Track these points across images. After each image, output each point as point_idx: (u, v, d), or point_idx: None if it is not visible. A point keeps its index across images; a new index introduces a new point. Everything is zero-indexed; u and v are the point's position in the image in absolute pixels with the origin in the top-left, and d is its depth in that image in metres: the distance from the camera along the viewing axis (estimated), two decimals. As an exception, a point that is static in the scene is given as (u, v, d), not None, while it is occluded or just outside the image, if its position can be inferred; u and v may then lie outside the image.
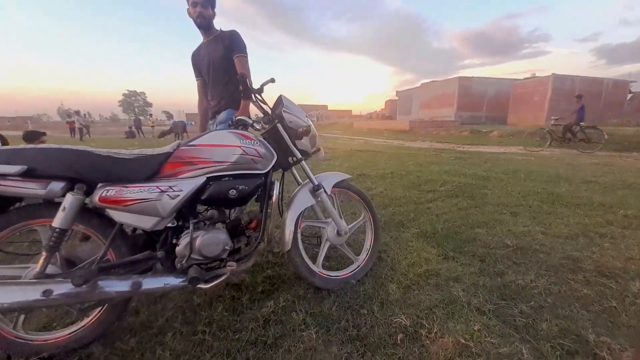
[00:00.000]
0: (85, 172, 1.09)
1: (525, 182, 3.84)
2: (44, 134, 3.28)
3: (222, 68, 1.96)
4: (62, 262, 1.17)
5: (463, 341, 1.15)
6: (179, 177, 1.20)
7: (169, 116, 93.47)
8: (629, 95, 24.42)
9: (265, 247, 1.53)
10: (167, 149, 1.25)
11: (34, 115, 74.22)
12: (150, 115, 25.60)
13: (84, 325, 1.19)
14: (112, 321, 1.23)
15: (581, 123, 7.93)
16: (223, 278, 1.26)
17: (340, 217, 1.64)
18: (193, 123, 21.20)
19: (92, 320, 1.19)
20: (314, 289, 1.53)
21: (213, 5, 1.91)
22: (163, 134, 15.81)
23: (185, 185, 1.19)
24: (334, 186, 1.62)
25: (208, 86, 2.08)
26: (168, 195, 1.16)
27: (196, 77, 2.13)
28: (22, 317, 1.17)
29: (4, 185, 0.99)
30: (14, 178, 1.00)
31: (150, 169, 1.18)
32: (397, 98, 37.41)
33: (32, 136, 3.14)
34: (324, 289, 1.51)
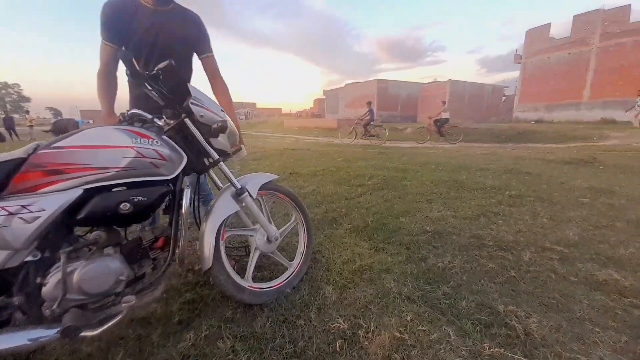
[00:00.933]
0: None
1: (435, 172, 4.34)
2: None
3: (179, 58, 1.42)
4: None
5: (398, 335, 1.15)
6: (38, 191, 0.88)
7: (56, 113, 75.80)
8: (503, 98, 31.04)
9: (177, 268, 1.26)
10: (16, 153, 0.90)
11: None
12: (27, 112, 20.32)
13: None
14: None
15: (372, 122, 11.20)
16: (118, 319, 0.97)
17: (270, 222, 1.50)
18: (91, 121, 17.66)
19: None
20: (244, 306, 1.35)
21: None
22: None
23: (48, 203, 0.87)
24: (261, 188, 1.46)
25: (145, 64, 1.48)
26: (21, 218, 0.84)
27: (107, 40, 1.43)
28: None
29: None
30: None
31: None
32: (324, 97, 38.75)
33: None
34: (256, 305, 1.35)
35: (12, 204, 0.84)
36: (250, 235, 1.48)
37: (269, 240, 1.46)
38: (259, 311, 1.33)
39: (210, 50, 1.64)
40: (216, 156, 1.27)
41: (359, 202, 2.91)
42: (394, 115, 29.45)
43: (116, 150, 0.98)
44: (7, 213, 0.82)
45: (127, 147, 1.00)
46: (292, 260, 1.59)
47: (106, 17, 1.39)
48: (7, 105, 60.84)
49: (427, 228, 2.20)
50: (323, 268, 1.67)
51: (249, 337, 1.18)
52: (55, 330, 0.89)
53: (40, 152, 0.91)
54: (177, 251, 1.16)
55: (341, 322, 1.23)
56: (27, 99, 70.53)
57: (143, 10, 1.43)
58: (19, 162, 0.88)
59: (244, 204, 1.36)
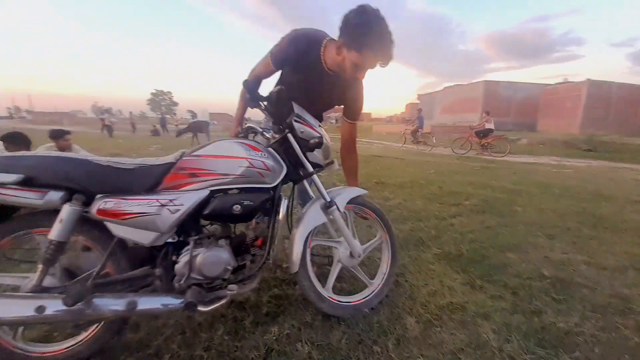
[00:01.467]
0: (84, 182, 1.02)
1: (561, 199, 3.51)
2: (69, 132, 3.34)
3: (327, 106, 1.66)
4: (62, 274, 1.11)
5: (495, 400, 0.98)
6: (181, 189, 1.11)
7: (193, 115, 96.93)
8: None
9: (270, 266, 1.41)
10: (169, 158, 1.16)
11: (71, 112, 79.42)
12: (175, 114, 26.77)
13: (80, 341, 1.12)
14: (109, 338, 1.16)
15: (420, 130, 11.58)
16: (223, 302, 1.16)
17: (354, 237, 1.50)
18: (215, 122, 21.56)
19: (89, 336, 1.13)
20: (323, 315, 1.40)
21: None
22: (180, 133, 15.39)
23: (186, 199, 1.10)
24: (348, 202, 1.47)
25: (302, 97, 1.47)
26: (168, 209, 1.07)
27: (274, 63, 1.46)
28: (21, 328, 1.12)
29: (1, 194, 0.94)
30: (11, 187, 0.95)
31: (151, 181, 1.10)
32: (418, 102, 36.61)
33: (57, 134, 3.21)
34: (333, 317, 1.38)
35: (163, 198, 1.08)
36: (335, 247, 1.51)
37: (352, 255, 1.46)
38: (335, 324, 1.35)
39: (356, 118, 1.62)
40: (311, 169, 1.35)
41: (451, 225, 2.62)
42: (504, 121, 25.32)
43: (235, 160, 1.17)
44: (160, 204, 1.07)
45: (242, 158, 1.17)
46: (373, 279, 1.55)
47: (287, 45, 1.39)
48: (162, 108, 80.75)
49: (545, 273, 1.79)
50: (405, 295, 1.56)
51: (325, 348, 1.21)
52: (179, 301, 1.12)
53: (184, 158, 1.15)
54: (271, 251, 1.29)
55: (423, 362, 1.13)
56: (176, 104, 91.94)
57: (319, 64, 1.41)
58: (170, 166, 1.14)
59: (331, 216, 1.40)
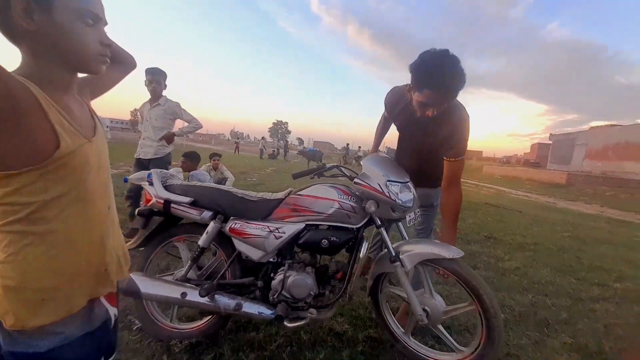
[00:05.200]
0: (225, 207, 1.45)
1: None
2: (220, 155, 4.50)
3: (428, 153, 1.64)
4: (197, 269, 1.56)
5: None
6: (285, 220, 1.41)
7: (300, 142, 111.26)
8: None
9: (346, 300, 1.45)
10: (280, 195, 1.50)
11: (216, 134, 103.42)
12: (286, 141, 31.62)
13: (201, 325, 1.51)
14: (219, 327, 1.53)
15: None
16: (304, 322, 1.38)
17: (431, 294, 1.40)
18: (318, 150, 24.18)
19: (207, 323, 1.51)
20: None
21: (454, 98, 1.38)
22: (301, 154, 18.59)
23: (288, 229, 1.39)
24: (424, 262, 1.36)
25: (405, 147, 1.77)
26: (274, 235, 1.38)
27: (387, 113, 1.74)
28: (175, 311, 1.57)
29: (177, 209, 1.44)
30: (184, 205, 1.44)
31: (266, 211, 1.45)
32: (549, 142, 30.43)
33: (213, 156, 4.38)
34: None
35: (273, 225, 1.40)
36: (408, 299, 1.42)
37: (426, 312, 1.36)
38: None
39: (458, 155, 1.50)
40: (378, 222, 1.41)
41: (592, 310, 2.09)
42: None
43: (328, 201, 1.40)
44: (269, 230, 1.39)
45: (334, 200, 1.39)
46: (464, 347, 1.39)
47: (386, 101, 1.67)
48: (279, 135, 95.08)
49: None
50: (521, 382, 1.36)
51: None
52: (271, 312, 1.39)
53: (291, 195, 1.46)
54: (350, 286, 1.42)
55: None
56: (289, 132, 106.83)
57: (408, 109, 1.50)
58: (280, 201, 1.46)
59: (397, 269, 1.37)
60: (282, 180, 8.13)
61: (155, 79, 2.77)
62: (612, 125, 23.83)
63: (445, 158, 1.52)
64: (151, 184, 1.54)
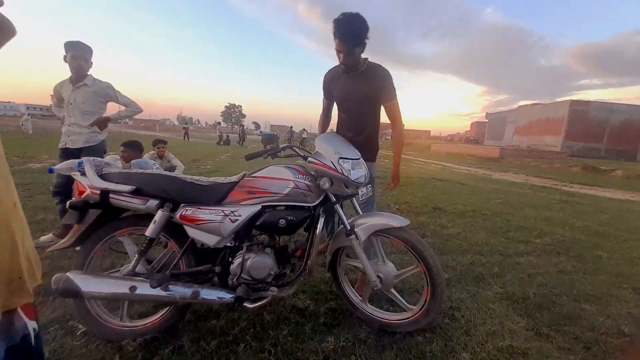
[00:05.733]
0: (174, 194, 1.37)
1: (665, 250, 2.96)
2: (165, 142, 4.12)
3: (363, 109, 1.84)
4: (146, 263, 1.46)
5: None
6: (241, 203, 1.39)
7: (257, 126, 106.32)
8: None
9: (307, 277, 1.51)
10: (234, 178, 1.46)
11: (161, 119, 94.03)
12: (243, 125, 29.85)
13: (156, 319, 1.43)
14: (176, 320, 1.46)
15: None
16: (265, 301, 1.40)
17: (384, 261, 1.53)
18: (276, 134, 23.48)
19: (162, 316, 1.43)
20: (376, 334, 1.50)
21: (359, 45, 1.65)
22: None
23: (244, 211, 1.37)
24: (376, 233, 1.48)
25: (341, 114, 1.97)
26: (230, 218, 1.36)
27: (325, 98, 2.02)
28: (125, 308, 1.45)
29: (118, 199, 1.33)
30: (126, 194, 1.33)
31: (220, 195, 1.41)
32: (486, 120, 33.77)
33: (157, 143, 4.00)
34: (385, 338, 1.47)
35: (227, 209, 1.37)
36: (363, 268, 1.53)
37: (380, 278, 1.49)
38: (388, 345, 1.44)
39: (391, 99, 1.77)
40: (333, 199, 1.46)
41: (518, 263, 2.45)
42: (595, 147, 21.76)
43: (283, 182, 1.41)
44: (224, 214, 1.35)
45: (289, 180, 1.41)
46: (413, 305, 1.54)
47: (323, 83, 1.98)
48: (233, 119, 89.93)
49: (626, 330, 1.60)
50: (461, 330, 1.56)
51: (378, 366, 1.31)
52: (231, 296, 1.37)
53: (245, 178, 1.43)
54: (309, 262, 1.46)
55: (476, 399, 1.15)
56: (244, 116, 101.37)
57: (341, 76, 1.85)
58: (234, 184, 1.43)
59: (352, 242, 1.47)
60: (240, 167, 7.84)
61: (81, 54, 2.39)
62: (535, 104, 27.16)
63: (383, 105, 1.80)
64: (83, 173, 1.36)
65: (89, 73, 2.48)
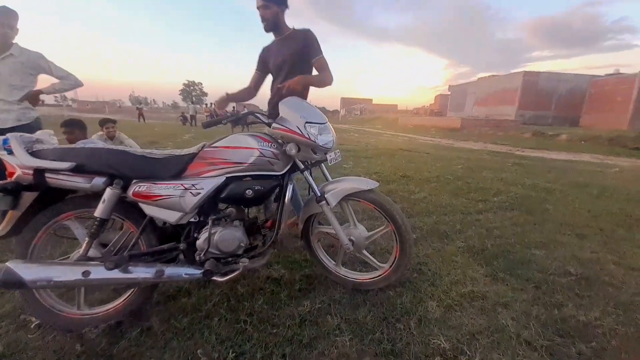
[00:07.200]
0: (123, 170, 1.23)
1: (598, 200, 3.36)
2: (114, 121, 3.71)
3: (294, 68, 1.87)
4: (101, 248, 1.33)
5: (508, 376, 1.08)
6: (202, 176, 1.29)
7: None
8: None
9: (278, 246, 1.51)
10: (192, 150, 1.36)
11: (111, 101, 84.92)
12: (206, 104, 27.88)
13: (119, 303, 1.34)
14: (141, 302, 1.37)
15: None
16: (237, 273, 1.35)
17: (355, 225, 1.56)
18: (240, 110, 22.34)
19: (126, 299, 1.34)
20: (350, 294, 1.55)
21: (279, 3, 1.81)
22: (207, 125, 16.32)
23: (206, 184, 1.28)
24: (346, 197, 1.48)
25: (275, 81, 2.01)
26: (191, 192, 1.26)
27: (257, 69, 2.08)
28: (82, 296, 1.33)
29: (56, 179, 1.16)
30: (65, 173, 1.16)
31: (177, 168, 1.30)
32: (448, 93, 34.99)
33: (105, 122, 3.59)
34: (359, 296, 1.53)
35: (187, 183, 1.27)
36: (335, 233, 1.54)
37: (352, 241, 1.52)
38: (361, 302, 1.50)
39: (317, 54, 1.86)
40: (301, 166, 1.43)
41: (477, 220, 2.64)
42: (544, 115, 23.64)
43: (247, 150, 1.32)
44: (184, 188, 1.26)
45: (254, 148, 1.32)
46: (384, 264, 1.60)
47: (261, 54, 2.04)
48: (193, 98, 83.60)
49: (571, 270, 1.81)
50: (428, 282, 1.67)
51: (352, 322, 1.36)
52: (200, 271, 1.31)
53: (205, 149, 1.33)
54: (279, 232, 1.43)
55: (442, 340, 1.24)
56: (206, 94, 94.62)
57: (275, 43, 1.97)
58: (193, 155, 1.32)
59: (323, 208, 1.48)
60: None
61: (5, 20, 2.01)
62: (493, 76, 28.47)
63: (312, 62, 1.87)
64: (10, 152, 1.17)
65: (14, 42, 2.11)
